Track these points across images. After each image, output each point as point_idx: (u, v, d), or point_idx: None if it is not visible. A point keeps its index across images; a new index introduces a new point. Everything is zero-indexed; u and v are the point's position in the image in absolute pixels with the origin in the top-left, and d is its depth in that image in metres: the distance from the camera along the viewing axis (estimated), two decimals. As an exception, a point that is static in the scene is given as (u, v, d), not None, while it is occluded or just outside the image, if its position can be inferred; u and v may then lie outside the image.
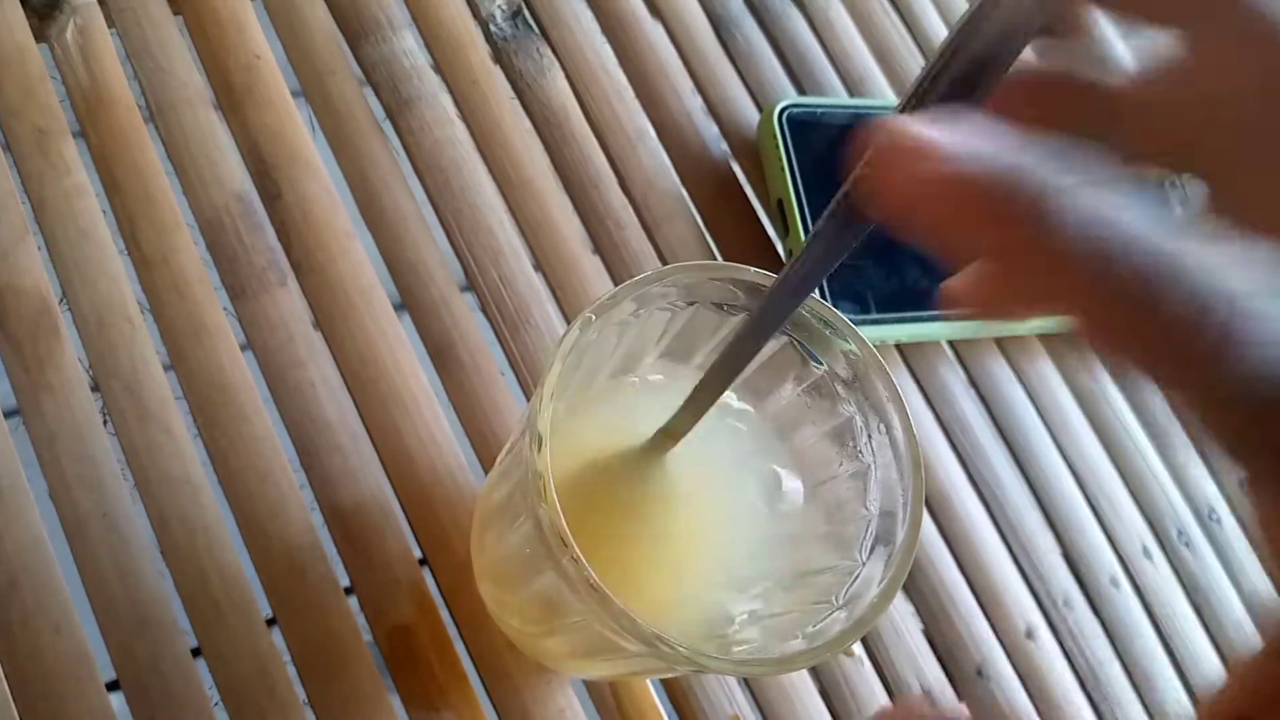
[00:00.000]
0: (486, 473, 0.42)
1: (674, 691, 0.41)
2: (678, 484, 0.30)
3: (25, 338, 0.39)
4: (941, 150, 0.16)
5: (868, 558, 0.28)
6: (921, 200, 0.16)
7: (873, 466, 0.28)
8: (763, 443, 0.32)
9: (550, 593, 0.28)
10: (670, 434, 0.29)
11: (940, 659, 0.44)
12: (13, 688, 0.35)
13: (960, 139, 0.16)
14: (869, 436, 0.29)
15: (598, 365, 0.31)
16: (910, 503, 0.27)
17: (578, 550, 0.23)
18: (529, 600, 0.31)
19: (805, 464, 0.32)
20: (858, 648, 0.43)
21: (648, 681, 0.40)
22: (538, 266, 0.46)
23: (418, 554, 0.40)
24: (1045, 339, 0.51)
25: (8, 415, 0.39)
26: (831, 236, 0.21)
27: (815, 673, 0.42)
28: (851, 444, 0.29)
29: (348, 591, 0.39)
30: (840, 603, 0.27)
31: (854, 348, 0.28)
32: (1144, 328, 0.14)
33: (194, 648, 0.37)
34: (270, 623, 0.38)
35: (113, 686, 0.36)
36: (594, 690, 0.40)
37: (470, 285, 0.45)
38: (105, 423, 0.39)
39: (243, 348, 0.41)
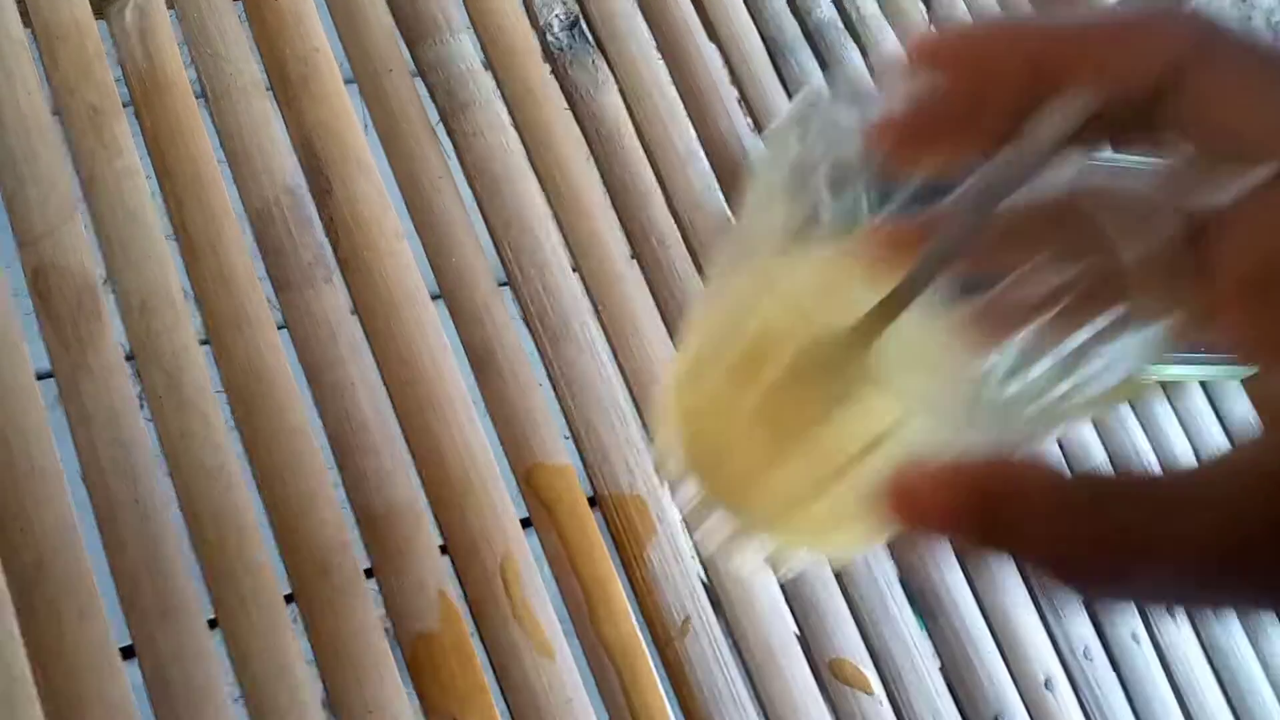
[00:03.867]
0: (519, 484, 0.42)
1: (691, 718, 0.40)
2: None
3: (67, 317, 0.39)
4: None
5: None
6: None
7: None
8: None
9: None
10: (885, 313, 0.24)
11: (958, 703, 0.44)
12: (35, 669, 0.35)
13: None
14: None
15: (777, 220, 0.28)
16: None
17: None
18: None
19: None
20: (877, 686, 0.43)
21: (667, 710, 0.40)
22: (580, 279, 0.46)
23: (446, 562, 0.40)
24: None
25: (40, 378, 0.38)
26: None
27: (835, 712, 0.42)
28: None
29: (373, 594, 0.39)
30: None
31: None
32: None
33: (216, 640, 0.37)
34: (293, 618, 0.38)
35: (131, 668, 0.36)
36: (612, 711, 0.39)
37: (513, 294, 0.44)
38: (141, 407, 0.39)
39: (280, 333, 0.41)
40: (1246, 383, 0.54)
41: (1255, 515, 0.18)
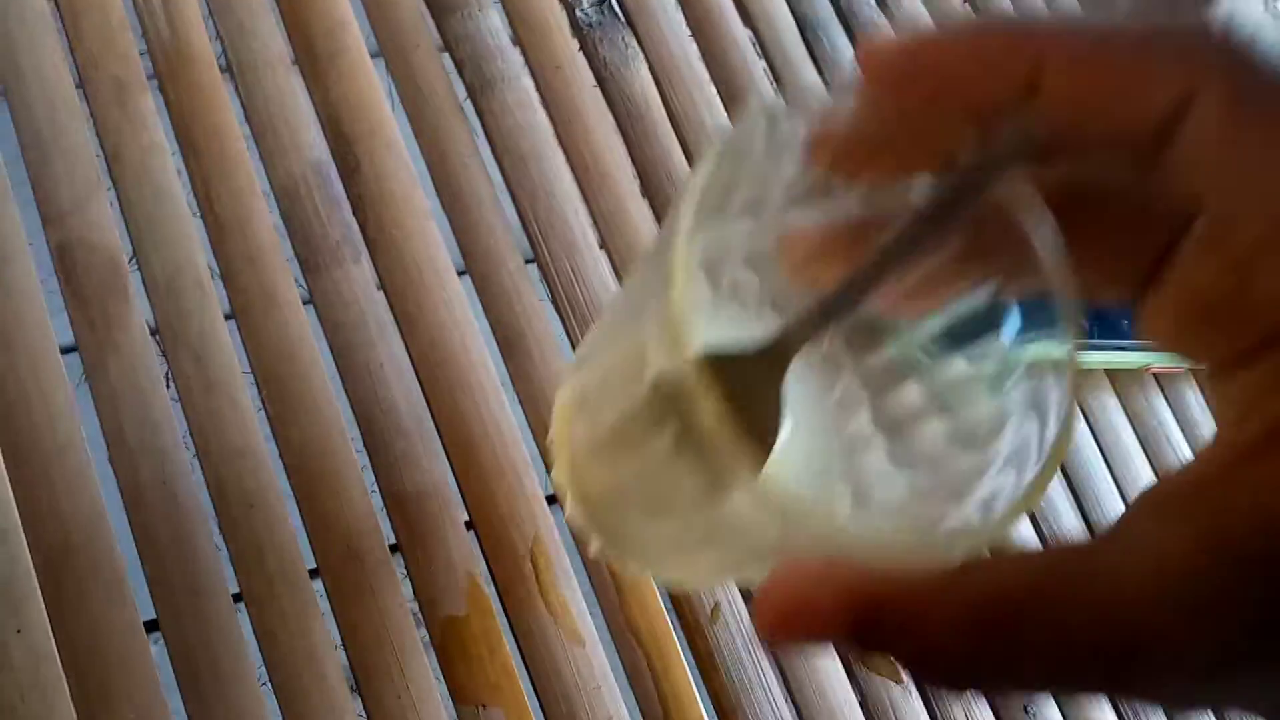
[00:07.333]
0: (549, 469, 0.41)
1: (721, 706, 0.40)
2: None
3: (93, 295, 0.39)
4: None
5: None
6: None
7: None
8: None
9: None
10: (789, 344, 0.24)
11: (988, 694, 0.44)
12: (61, 650, 0.34)
13: None
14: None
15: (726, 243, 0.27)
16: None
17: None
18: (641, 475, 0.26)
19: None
20: (906, 676, 0.42)
21: (696, 698, 0.39)
22: (609, 259, 0.45)
23: (476, 546, 0.39)
24: (1112, 374, 0.50)
25: (64, 352, 0.38)
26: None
27: (864, 702, 0.41)
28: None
29: (402, 579, 0.38)
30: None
31: None
32: None
33: (243, 622, 0.36)
34: (320, 599, 0.37)
35: (158, 648, 0.35)
36: (642, 699, 0.39)
37: (542, 275, 0.44)
38: (168, 387, 0.38)
39: (308, 312, 0.40)
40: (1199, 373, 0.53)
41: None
